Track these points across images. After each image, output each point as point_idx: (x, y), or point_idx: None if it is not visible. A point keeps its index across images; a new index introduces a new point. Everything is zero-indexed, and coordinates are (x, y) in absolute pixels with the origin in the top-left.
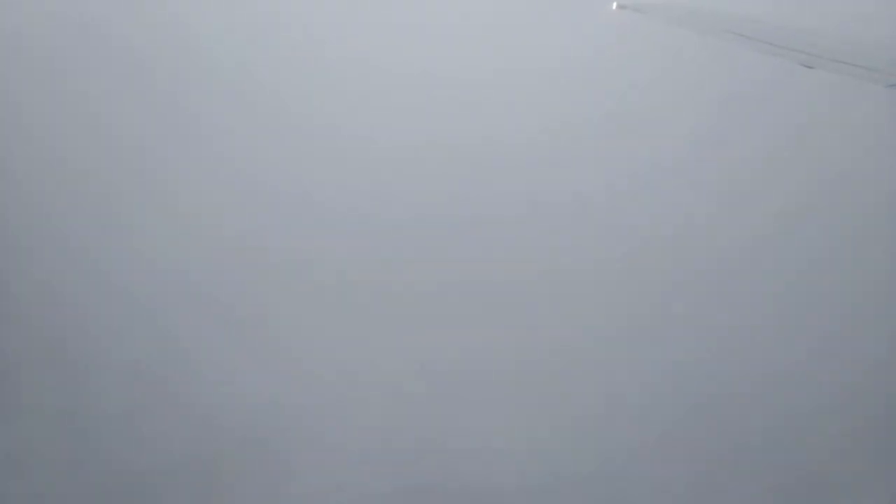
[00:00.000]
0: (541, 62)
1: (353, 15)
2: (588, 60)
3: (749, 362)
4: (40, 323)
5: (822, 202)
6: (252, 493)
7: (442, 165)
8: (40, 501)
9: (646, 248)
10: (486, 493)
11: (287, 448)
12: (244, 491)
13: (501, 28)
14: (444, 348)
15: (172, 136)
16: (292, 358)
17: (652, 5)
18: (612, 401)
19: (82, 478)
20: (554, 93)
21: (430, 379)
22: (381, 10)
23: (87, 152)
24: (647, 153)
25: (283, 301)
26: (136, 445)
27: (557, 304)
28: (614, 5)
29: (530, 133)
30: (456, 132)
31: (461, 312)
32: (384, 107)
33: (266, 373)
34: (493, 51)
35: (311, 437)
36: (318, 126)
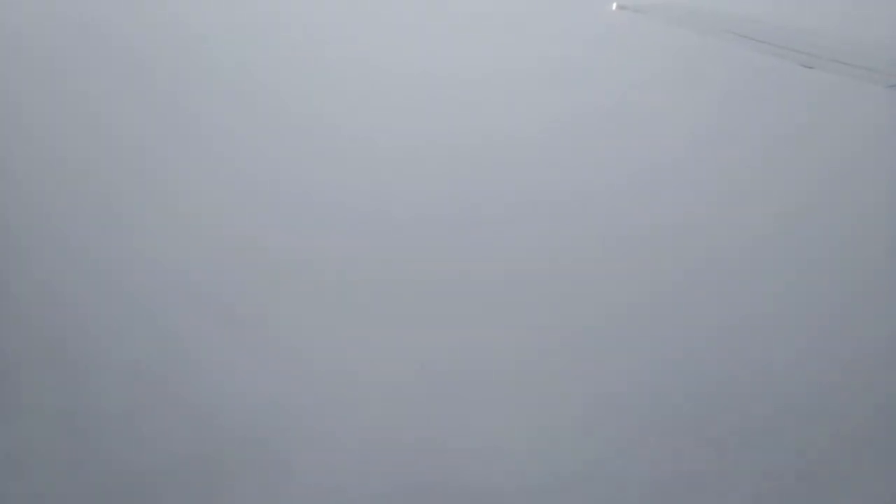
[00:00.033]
0: (541, 62)
1: (353, 15)
2: (588, 61)
3: (749, 362)
4: (40, 323)
5: (822, 202)
6: (252, 493)
7: (442, 165)
8: (40, 501)
9: (647, 247)
10: (487, 493)
11: (287, 448)
12: (244, 491)
13: (501, 28)
14: (445, 348)
15: (172, 136)
16: (292, 358)
17: (652, 5)
18: (612, 400)
19: (82, 478)
20: (554, 93)
21: (430, 379)
22: (381, 10)
23: (87, 152)
24: (646, 153)
25: (284, 301)
26: (136, 445)
27: (557, 304)
28: (614, 5)
29: (530, 133)
30: (456, 132)
31: (461, 312)
32: (384, 106)
33: (266, 373)
34: (493, 51)
35: (311, 437)
36: (319, 126)
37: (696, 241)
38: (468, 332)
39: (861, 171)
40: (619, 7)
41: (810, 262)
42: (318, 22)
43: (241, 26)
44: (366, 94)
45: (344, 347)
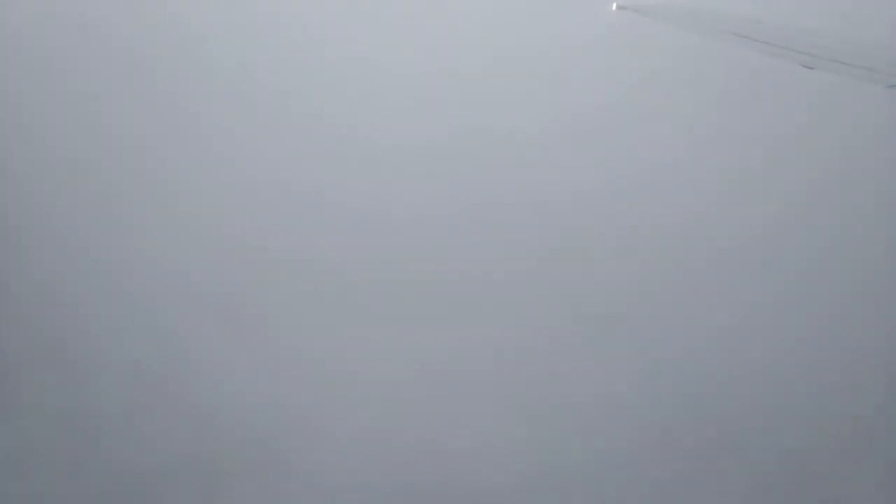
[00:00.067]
0: (540, 63)
1: (353, 15)
2: (587, 61)
3: (749, 362)
4: (40, 323)
5: (822, 202)
6: (252, 493)
7: (442, 165)
8: (40, 501)
9: (647, 247)
10: (487, 493)
11: (287, 448)
12: (244, 491)
13: (501, 28)
14: (445, 348)
15: (172, 136)
16: (292, 358)
17: (652, 6)
18: (613, 400)
19: (82, 478)
20: (553, 93)
21: (430, 379)
22: (381, 10)
23: (87, 152)
24: (646, 153)
25: (283, 301)
26: (136, 445)
27: (557, 304)
28: (614, 6)
29: (530, 133)
30: (456, 132)
31: (461, 312)
32: (384, 106)
33: (266, 373)
34: (493, 51)
35: (311, 437)
36: (319, 126)
37: (695, 240)
38: (468, 332)
39: (861, 171)
40: (619, 7)
41: (810, 261)
42: (318, 22)
43: (241, 26)
44: (366, 93)
45: (344, 347)
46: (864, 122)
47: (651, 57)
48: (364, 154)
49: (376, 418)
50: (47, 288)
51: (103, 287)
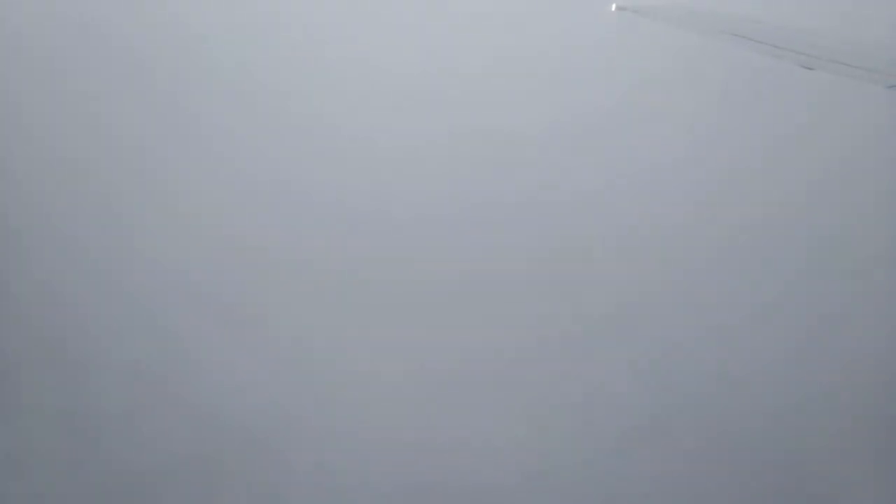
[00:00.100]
0: (540, 63)
1: (353, 15)
2: (587, 61)
3: (748, 362)
4: (40, 323)
5: (822, 202)
6: (252, 493)
7: (442, 165)
8: (40, 501)
9: (647, 247)
10: (487, 492)
11: (287, 448)
12: (244, 491)
13: (500, 29)
14: (445, 348)
15: (172, 136)
16: (292, 358)
17: (651, 6)
18: (613, 400)
19: (82, 478)
20: (553, 94)
21: (430, 378)
22: (381, 10)
23: (87, 152)
24: (646, 154)
25: (284, 301)
26: (136, 445)
27: (557, 304)
28: (613, 6)
29: (530, 133)
30: (456, 132)
31: (461, 312)
32: (384, 106)
33: (266, 373)
34: (492, 52)
35: (311, 437)
36: (319, 126)
37: (695, 240)
38: (468, 332)
39: (861, 171)
40: (619, 8)
41: (809, 261)
42: (318, 22)
43: (241, 26)
44: (366, 94)
45: (344, 347)
46: (864, 122)
47: (651, 57)
48: (364, 154)
49: (376, 418)
50: (47, 288)
51: (103, 287)
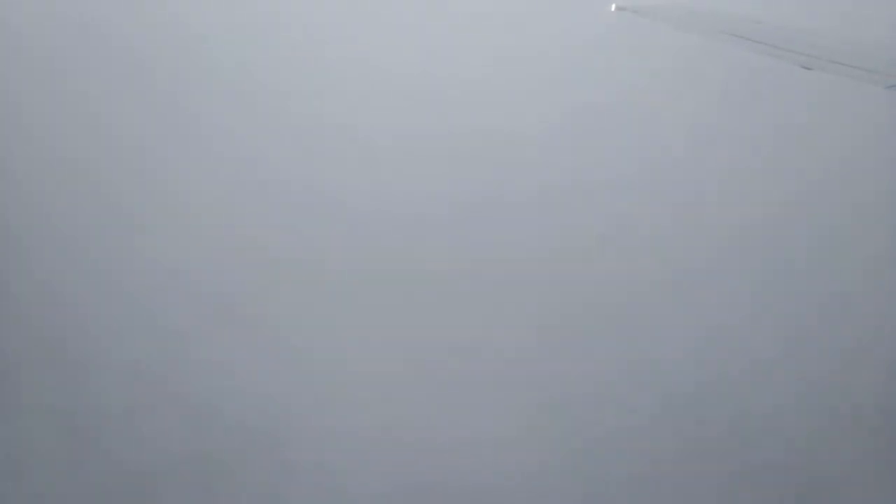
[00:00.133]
0: (540, 63)
1: (353, 15)
2: (587, 61)
3: (748, 361)
4: (40, 323)
5: (822, 202)
6: (252, 493)
7: (442, 164)
8: (40, 501)
9: (647, 247)
10: (486, 492)
11: (287, 448)
12: (244, 490)
13: (500, 29)
14: (445, 347)
15: (172, 136)
16: (293, 357)
17: (651, 6)
18: (612, 399)
19: (82, 478)
20: (553, 94)
21: (430, 378)
22: (381, 10)
23: (87, 152)
24: (645, 154)
25: (284, 300)
26: (136, 445)
27: (557, 303)
28: (613, 7)
29: (530, 132)
30: (456, 132)
31: (461, 311)
32: (384, 106)
33: (267, 372)
34: (492, 52)
35: (311, 436)
36: (319, 126)
37: (695, 240)
38: (468, 331)
39: (861, 171)
40: (619, 8)
41: (809, 261)
42: (318, 22)
43: (241, 26)
44: (366, 94)
45: (344, 347)
46: (864, 122)
47: (651, 57)
48: (364, 154)
49: (376, 417)
50: (47, 288)
51: (103, 287)
